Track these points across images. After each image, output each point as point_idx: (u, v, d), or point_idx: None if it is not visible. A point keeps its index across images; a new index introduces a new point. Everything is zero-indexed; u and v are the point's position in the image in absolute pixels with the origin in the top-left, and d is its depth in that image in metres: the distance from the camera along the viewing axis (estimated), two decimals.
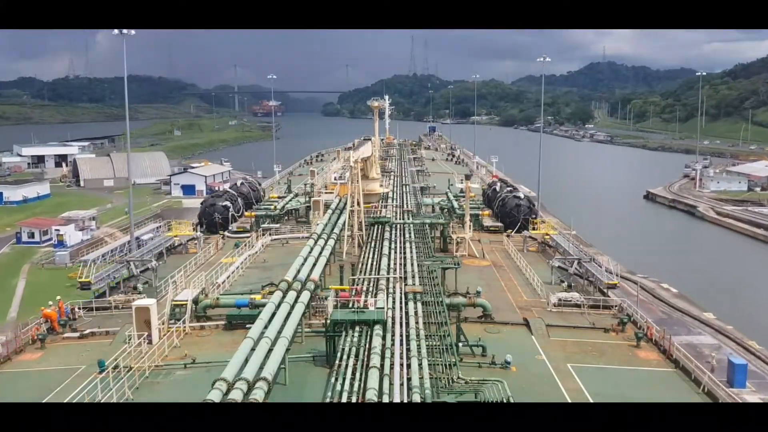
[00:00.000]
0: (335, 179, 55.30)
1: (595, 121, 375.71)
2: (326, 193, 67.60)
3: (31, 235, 76.21)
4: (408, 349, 27.12)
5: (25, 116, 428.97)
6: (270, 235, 59.89)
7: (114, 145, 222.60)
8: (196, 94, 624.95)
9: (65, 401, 24.40)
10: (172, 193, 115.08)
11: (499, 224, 65.85)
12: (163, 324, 34.31)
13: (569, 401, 26.78)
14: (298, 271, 35.63)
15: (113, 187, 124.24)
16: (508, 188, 75.18)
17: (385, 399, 22.49)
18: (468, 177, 63.18)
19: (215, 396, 20.82)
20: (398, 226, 53.16)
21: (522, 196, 70.79)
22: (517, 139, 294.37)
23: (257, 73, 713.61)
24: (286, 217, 69.35)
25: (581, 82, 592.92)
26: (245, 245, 54.91)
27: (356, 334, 28.67)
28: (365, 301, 31.27)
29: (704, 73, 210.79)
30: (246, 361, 23.58)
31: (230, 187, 75.88)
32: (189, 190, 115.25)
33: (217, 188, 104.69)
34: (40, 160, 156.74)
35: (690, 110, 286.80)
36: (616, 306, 40.23)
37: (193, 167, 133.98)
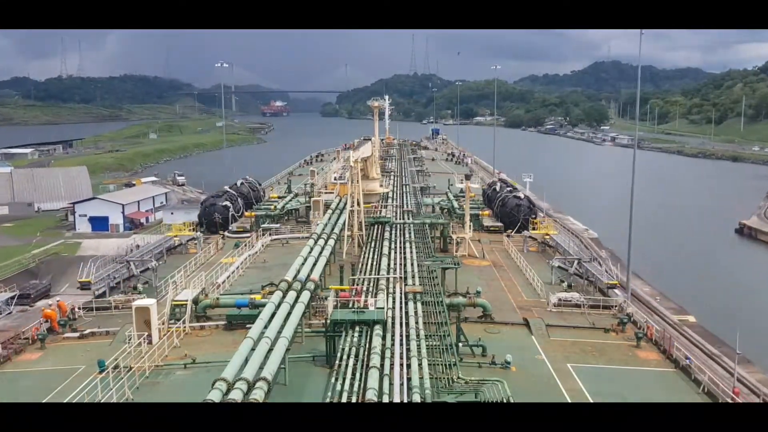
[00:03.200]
0: (335, 179, 55.25)
1: (611, 122, 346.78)
2: (326, 193, 67.61)
3: None
4: (408, 349, 27.14)
5: (6, 117, 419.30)
6: (270, 235, 59.89)
7: (67, 152, 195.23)
8: (191, 93, 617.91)
9: (65, 401, 24.40)
10: (77, 228, 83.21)
11: (499, 224, 65.83)
12: (163, 324, 34.31)
13: (569, 401, 26.78)
14: (298, 271, 35.62)
15: (7, 215, 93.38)
16: (508, 188, 75.15)
17: (385, 399, 22.50)
18: (468, 177, 63.19)
19: (215, 396, 20.82)
20: (398, 226, 53.19)
21: (522, 196, 70.76)
22: (530, 143, 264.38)
23: (256, 72, 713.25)
24: (286, 217, 69.34)
25: (586, 82, 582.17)
26: (245, 245, 54.92)
27: (356, 334, 28.70)
28: (365, 301, 31.30)
29: (743, 69, 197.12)
30: (246, 361, 23.58)
31: (230, 187, 75.80)
32: (99, 223, 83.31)
33: (141, 221, 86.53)
34: None
35: (723, 110, 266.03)
36: (616, 306, 40.24)
37: (130, 186, 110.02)
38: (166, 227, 63.52)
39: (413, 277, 37.93)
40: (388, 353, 26.30)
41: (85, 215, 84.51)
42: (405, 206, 65.07)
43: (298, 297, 31.65)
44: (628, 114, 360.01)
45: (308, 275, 35.43)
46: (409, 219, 56.27)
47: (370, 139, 70.83)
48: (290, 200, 72.98)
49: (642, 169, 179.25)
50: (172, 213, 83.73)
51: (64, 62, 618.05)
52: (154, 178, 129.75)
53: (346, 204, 52.65)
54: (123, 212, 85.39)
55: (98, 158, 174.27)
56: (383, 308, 30.59)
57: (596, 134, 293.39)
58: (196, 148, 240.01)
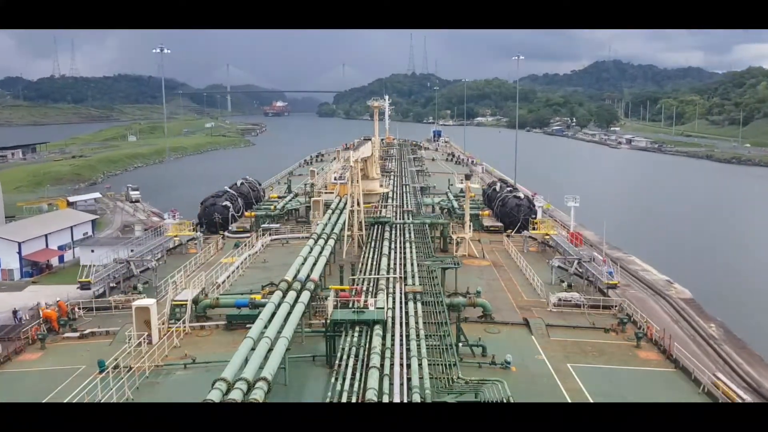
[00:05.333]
0: (335, 179, 55.34)
1: (621, 123, 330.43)
2: (326, 193, 67.64)
3: None
4: (408, 349, 27.16)
5: None
6: (270, 235, 59.90)
7: (25, 158, 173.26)
8: (186, 94, 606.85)
9: (65, 401, 24.40)
10: None
11: (499, 224, 65.87)
12: (163, 324, 34.35)
13: (569, 401, 26.78)
14: (298, 271, 35.64)
15: None
16: (508, 188, 75.17)
17: (385, 399, 22.51)
18: (468, 177, 63.18)
19: (215, 396, 20.83)
20: (398, 226, 53.23)
21: (522, 196, 70.75)
22: (541, 147, 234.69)
23: (251, 72, 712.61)
24: (286, 217, 69.38)
25: (586, 82, 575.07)
26: (245, 245, 54.92)
27: (356, 334, 28.73)
28: (365, 301, 31.32)
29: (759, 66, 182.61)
30: (246, 361, 23.60)
31: (230, 187, 75.84)
32: None
33: (47, 262, 64.00)
34: None
35: (750, 111, 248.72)
36: (616, 306, 40.23)
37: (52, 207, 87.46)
38: (88, 272, 44.08)
39: (413, 277, 37.96)
40: (388, 353, 26.33)
41: None
42: (405, 206, 65.12)
43: (298, 297, 31.66)
44: (639, 114, 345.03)
45: (308, 275, 35.44)
46: (409, 219, 56.30)
47: (370, 139, 70.88)
48: (290, 200, 73.03)
49: (682, 180, 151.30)
50: (92, 251, 59.74)
51: (56, 62, 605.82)
52: (96, 195, 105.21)
53: (346, 204, 52.67)
54: (20, 252, 61.78)
55: (54, 166, 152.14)
56: (383, 308, 30.63)
57: (609, 136, 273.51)
58: (174, 153, 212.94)
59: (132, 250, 50.30)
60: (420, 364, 25.52)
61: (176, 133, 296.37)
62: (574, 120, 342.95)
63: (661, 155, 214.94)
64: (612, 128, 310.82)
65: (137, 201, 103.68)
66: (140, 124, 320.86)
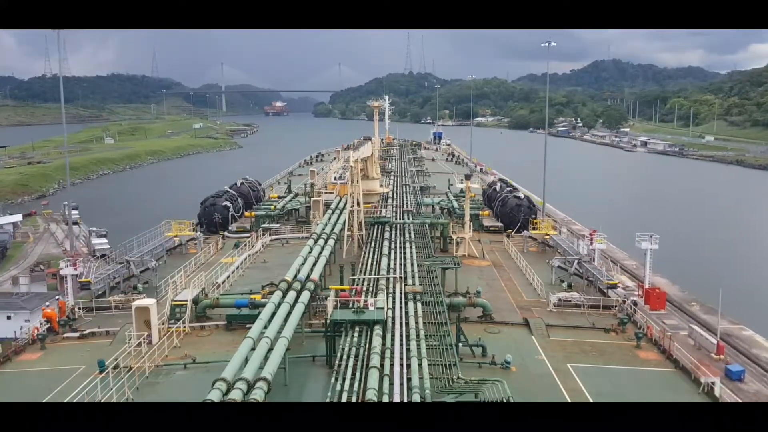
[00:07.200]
0: (335, 179, 55.32)
1: (631, 124, 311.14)
2: (326, 193, 67.61)
3: None
4: (408, 349, 27.17)
5: None
6: (270, 235, 59.88)
7: None
8: (180, 93, 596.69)
9: (65, 401, 24.40)
10: None
11: (499, 224, 65.87)
12: (163, 324, 34.34)
13: (569, 401, 26.78)
14: (298, 271, 35.65)
15: None
16: (508, 188, 75.14)
17: (385, 399, 22.52)
18: (468, 177, 63.13)
19: (215, 396, 20.85)
20: (398, 226, 53.24)
21: (522, 195, 70.71)
22: (551, 151, 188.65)
23: (247, 71, 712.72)
24: (286, 217, 69.36)
25: (586, 81, 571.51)
26: (245, 245, 54.89)
27: (356, 334, 28.73)
28: (365, 301, 31.33)
29: None
30: (246, 361, 23.61)
31: (230, 187, 75.77)
32: None
33: None
34: None
35: None
36: (616, 306, 40.22)
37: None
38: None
39: (413, 277, 37.96)
40: (388, 353, 26.34)
41: None
42: (405, 206, 65.11)
43: (298, 297, 31.67)
44: (645, 114, 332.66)
45: (308, 275, 35.45)
46: (409, 219, 56.31)
47: (370, 139, 70.87)
48: (290, 200, 73.03)
49: (734, 193, 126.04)
50: None
51: (47, 61, 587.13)
52: (18, 218, 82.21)
53: (346, 204, 52.67)
54: None
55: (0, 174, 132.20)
56: (383, 308, 30.64)
57: (621, 138, 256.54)
58: (149, 156, 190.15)
59: (9, 317, 38.81)
60: (420, 364, 25.53)
61: (160, 134, 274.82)
62: (580, 120, 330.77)
63: (684, 160, 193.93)
64: (622, 129, 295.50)
65: (76, 223, 80.00)
66: (121, 125, 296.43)
